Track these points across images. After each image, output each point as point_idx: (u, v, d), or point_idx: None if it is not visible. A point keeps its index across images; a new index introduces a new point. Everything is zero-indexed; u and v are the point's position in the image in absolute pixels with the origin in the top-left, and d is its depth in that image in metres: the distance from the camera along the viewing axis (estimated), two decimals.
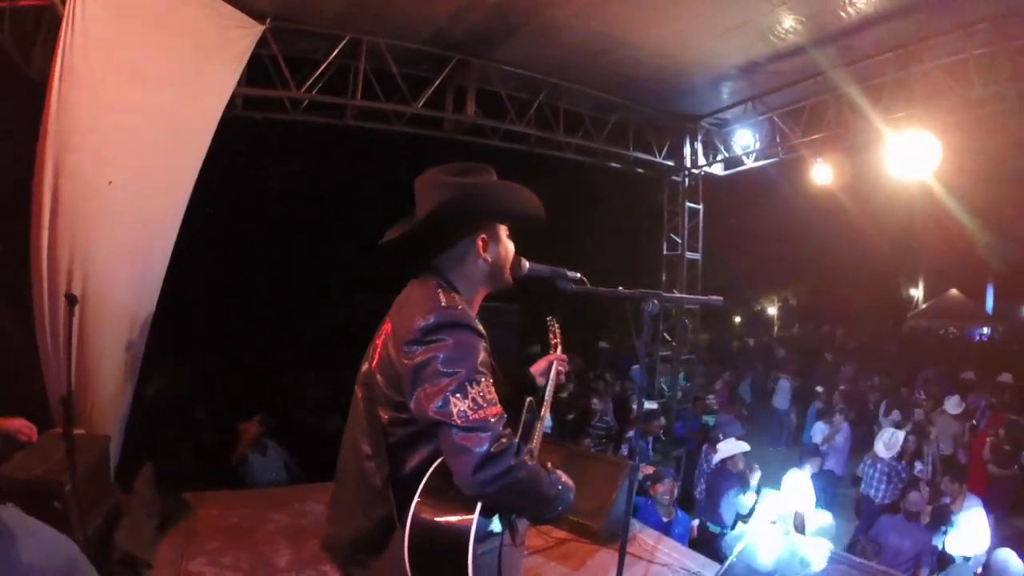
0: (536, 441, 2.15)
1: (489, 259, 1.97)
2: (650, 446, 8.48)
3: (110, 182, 4.80)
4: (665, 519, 6.20)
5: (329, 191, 15.93)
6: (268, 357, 12.75)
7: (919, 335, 22.85)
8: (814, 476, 7.55)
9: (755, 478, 7.41)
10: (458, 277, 1.94)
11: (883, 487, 7.81)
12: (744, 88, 8.06)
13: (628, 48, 6.79)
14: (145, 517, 4.80)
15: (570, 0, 5.84)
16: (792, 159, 8.87)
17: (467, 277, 1.96)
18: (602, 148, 8.75)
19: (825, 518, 6.94)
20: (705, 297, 2.56)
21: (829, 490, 8.43)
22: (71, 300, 4.10)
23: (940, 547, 6.50)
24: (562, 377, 2.49)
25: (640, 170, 9.74)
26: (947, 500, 6.92)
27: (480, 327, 1.82)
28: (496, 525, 1.81)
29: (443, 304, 1.78)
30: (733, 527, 7.01)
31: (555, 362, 2.45)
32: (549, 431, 2.26)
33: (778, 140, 8.49)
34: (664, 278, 10.17)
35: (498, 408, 1.69)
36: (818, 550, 5.18)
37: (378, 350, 1.89)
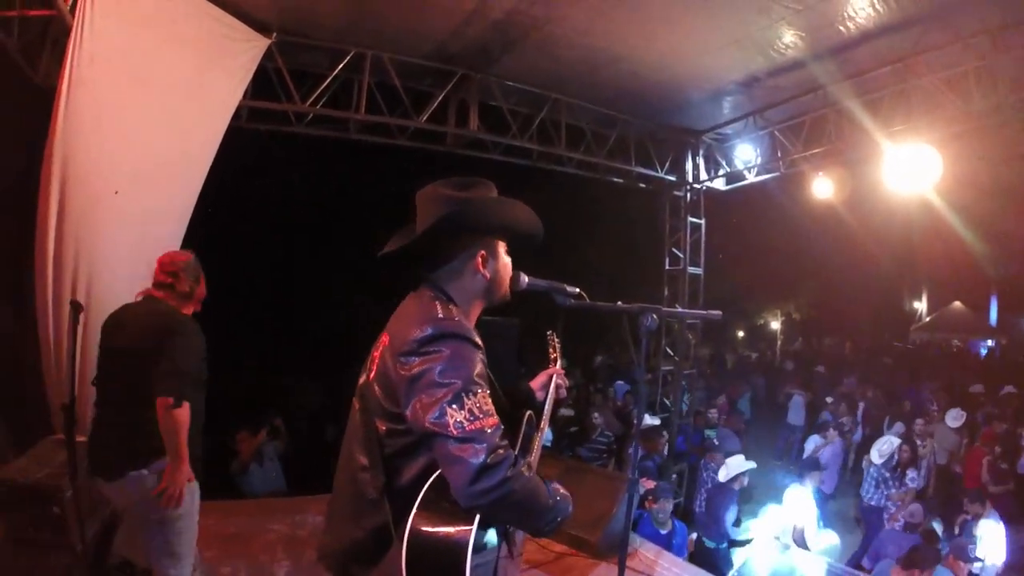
0: (535, 454, 2.15)
1: (487, 274, 1.99)
2: (655, 465, 8.47)
3: (116, 192, 4.83)
4: (663, 532, 6.20)
5: (333, 204, 16.00)
6: (272, 367, 12.78)
7: (923, 348, 22.78)
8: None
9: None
10: (455, 290, 1.95)
11: (873, 491, 8.14)
12: (745, 102, 8.09)
13: (628, 63, 6.84)
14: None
15: (569, 15, 5.89)
16: (793, 173, 8.88)
17: (464, 291, 1.97)
18: (604, 163, 8.77)
19: (831, 538, 6.94)
20: (704, 311, 2.58)
21: (819, 507, 8.44)
22: (76, 307, 4.12)
23: None
24: (562, 391, 2.49)
25: (642, 185, 9.75)
26: (969, 518, 6.98)
27: (477, 339, 1.83)
28: (493, 538, 1.82)
29: (440, 316, 1.80)
30: (729, 544, 7.01)
31: (554, 376, 2.46)
32: (548, 445, 2.25)
33: (779, 154, 8.51)
34: (666, 293, 10.16)
35: (495, 419, 1.69)
36: (815, 564, 5.19)
37: (375, 362, 1.91)
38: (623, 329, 2.32)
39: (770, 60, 6.60)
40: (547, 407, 2.35)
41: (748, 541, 6.98)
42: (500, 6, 5.76)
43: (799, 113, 7.95)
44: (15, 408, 5.03)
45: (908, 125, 6.78)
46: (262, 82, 6.55)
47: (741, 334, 29.68)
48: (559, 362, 2.54)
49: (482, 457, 1.60)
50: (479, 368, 1.77)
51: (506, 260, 2.07)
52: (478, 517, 1.68)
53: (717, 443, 9.05)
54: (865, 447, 9.50)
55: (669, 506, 6.34)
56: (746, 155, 9.25)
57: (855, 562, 7.57)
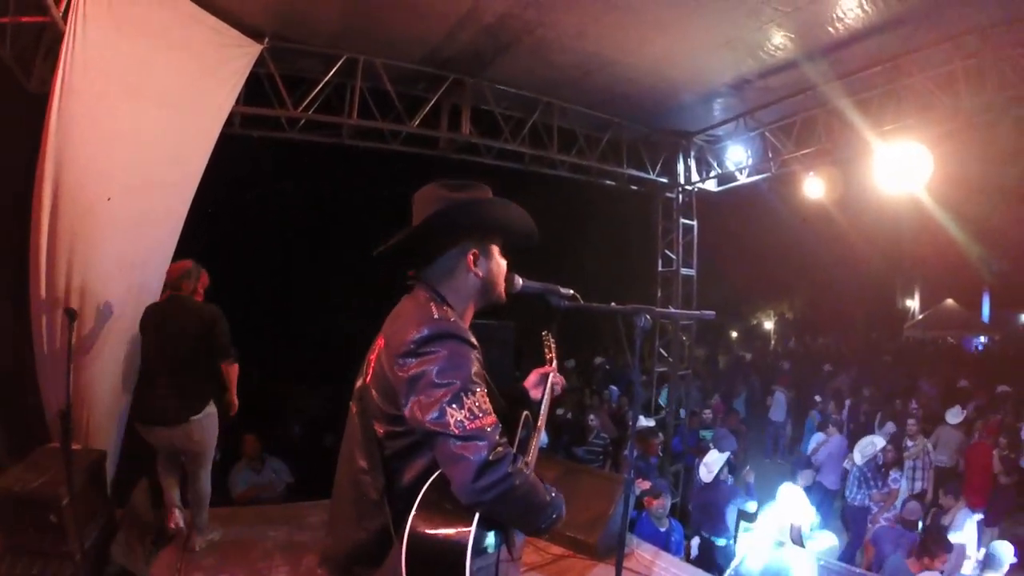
0: (532, 455, 2.17)
1: (480, 273, 2.00)
2: (650, 466, 8.50)
3: (109, 198, 4.84)
4: (661, 530, 6.22)
5: (325, 209, 16.02)
6: (265, 371, 12.77)
7: (916, 345, 22.88)
8: (808, 490, 7.60)
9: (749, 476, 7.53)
10: (449, 291, 1.97)
11: (855, 490, 8.24)
12: (735, 104, 8.13)
13: (619, 66, 6.87)
14: (141, 532, 4.81)
15: (560, 20, 5.92)
16: (785, 174, 8.92)
17: (458, 291, 1.98)
18: (596, 166, 8.80)
19: (829, 539, 6.97)
20: (698, 312, 2.59)
21: (825, 504, 8.51)
22: (70, 315, 4.13)
23: None
24: (557, 390, 2.50)
25: (634, 187, 9.78)
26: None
27: (473, 339, 1.85)
28: (493, 540, 1.83)
29: (435, 316, 1.81)
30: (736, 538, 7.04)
31: (550, 375, 2.47)
32: (544, 447, 2.25)
33: (770, 155, 8.55)
34: (659, 294, 10.19)
35: (493, 418, 1.71)
36: (808, 560, 5.21)
37: (372, 365, 1.92)
38: (618, 330, 2.33)
39: (760, 62, 6.64)
40: (544, 407, 2.36)
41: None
42: (492, 10, 5.79)
43: (790, 114, 8.00)
44: (12, 415, 5.02)
45: (898, 124, 6.84)
46: (255, 88, 6.56)
47: (735, 334, 29.75)
48: (554, 362, 2.54)
49: (484, 454, 1.62)
50: (476, 367, 1.78)
51: (500, 261, 2.08)
52: (477, 517, 1.69)
53: (712, 444, 9.06)
54: (851, 445, 9.51)
55: (668, 503, 6.36)
56: (737, 156, 9.29)
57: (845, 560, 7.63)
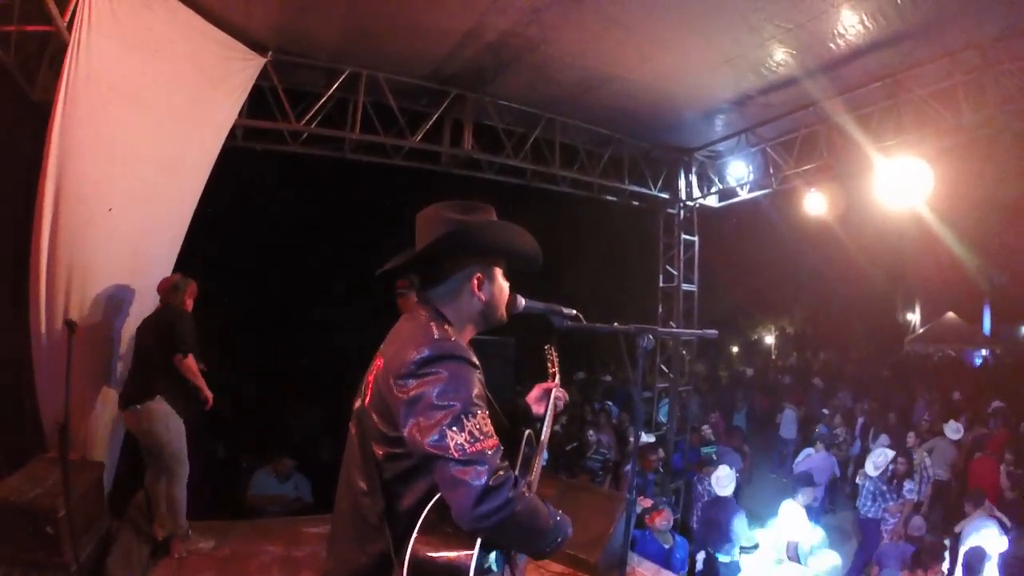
0: (535, 474, 2.14)
1: (483, 297, 1.97)
2: (651, 482, 8.46)
3: (110, 209, 4.85)
4: (665, 546, 6.19)
5: (327, 222, 16.01)
6: (265, 384, 12.75)
7: (916, 359, 22.82)
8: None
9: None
10: (451, 311, 1.94)
11: (870, 503, 8.10)
12: (737, 120, 8.15)
13: (621, 83, 6.90)
14: (137, 544, 4.79)
15: (563, 37, 5.95)
16: (785, 189, 8.93)
17: (460, 312, 1.96)
18: (598, 181, 8.81)
19: (832, 558, 6.93)
20: (701, 331, 2.58)
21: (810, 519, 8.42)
22: (70, 326, 4.13)
23: None
24: (560, 405, 2.46)
25: (636, 203, 9.79)
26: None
27: (475, 359, 1.82)
28: (495, 563, 1.80)
29: (436, 337, 1.78)
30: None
31: (553, 390, 2.43)
32: (544, 464, 2.22)
33: (771, 171, 8.56)
34: (660, 310, 10.16)
35: (495, 440, 1.67)
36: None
37: (370, 386, 1.89)
38: (619, 348, 2.31)
39: (762, 78, 6.66)
40: (546, 424, 2.33)
41: (755, 547, 6.97)
42: (495, 28, 5.82)
43: (791, 129, 8.02)
44: (11, 425, 5.00)
45: (899, 139, 6.84)
46: (258, 101, 6.58)
47: (736, 350, 29.69)
48: (557, 376, 2.52)
49: (484, 479, 1.58)
50: (478, 389, 1.75)
51: (503, 284, 2.05)
52: (479, 541, 1.66)
53: (716, 459, 9.03)
54: (863, 461, 9.46)
55: (670, 517, 6.33)
56: (739, 172, 9.30)
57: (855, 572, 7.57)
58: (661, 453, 9.30)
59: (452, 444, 1.61)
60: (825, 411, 12.86)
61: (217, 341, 5.19)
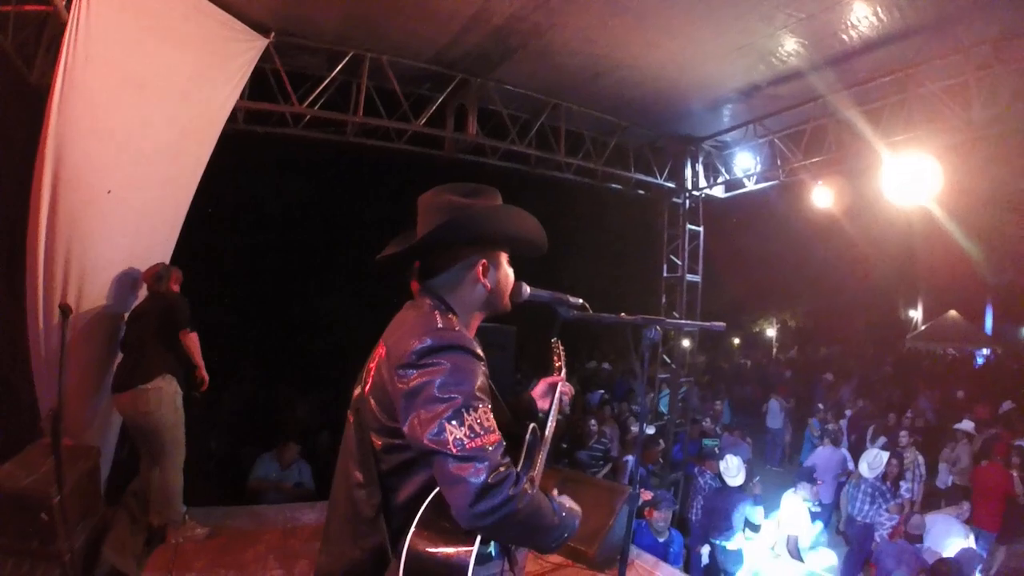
0: (539, 468, 2.09)
1: (488, 284, 1.91)
2: (650, 473, 8.44)
3: (109, 191, 4.78)
4: (660, 540, 6.17)
5: (329, 205, 15.98)
6: (265, 370, 12.73)
7: (917, 357, 22.79)
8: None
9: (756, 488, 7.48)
10: (455, 299, 1.87)
11: (866, 507, 7.91)
12: (744, 111, 8.07)
13: (628, 70, 6.81)
14: (133, 532, 4.76)
15: (570, 23, 5.86)
16: (792, 182, 8.85)
17: (464, 300, 1.89)
18: (603, 169, 8.73)
19: (829, 557, 6.91)
20: (708, 323, 2.51)
21: (822, 517, 8.38)
22: (64, 311, 4.07)
23: None
24: (566, 400, 2.40)
25: (641, 192, 9.71)
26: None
27: (479, 350, 1.76)
28: (493, 548, 1.75)
29: (439, 326, 1.72)
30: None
31: (559, 385, 2.37)
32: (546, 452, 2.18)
33: (779, 163, 8.48)
34: (663, 300, 10.10)
35: (496, 435, 1.61)
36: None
37: (371, 374, 1.82)
38: (620, 339, 2.25)
39: (771, 68, 6.58)
40: (551, 418, 2.27)
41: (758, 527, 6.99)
42: (500, 12, 5.73)
43: (799, 122, 7.93)
44: (7, 411, 4.97)
45: (908, 135, 6.75)
46: (259, 83, 6.50)
47: (737, 341, 29.68)
48: (563, 370, 2.46)
49: (483, 477, 1.52)
50: (480, 381, 1.68)
51: (508, 270, 1.98)
52: (479, 537, 1.61)
53: (718, 452, 8.99)
54: (853, 456, 9.37)
55: (669, 515, 6.31)
56: (745, 163, 9.22)
57: None
58: (662, 445, 9.29)
59: (451, 439, 1.55)
60: (820, 406, 12.83)
61: (217, 326, 5.13)
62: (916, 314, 29.00)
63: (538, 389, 2.37)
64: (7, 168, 4.71)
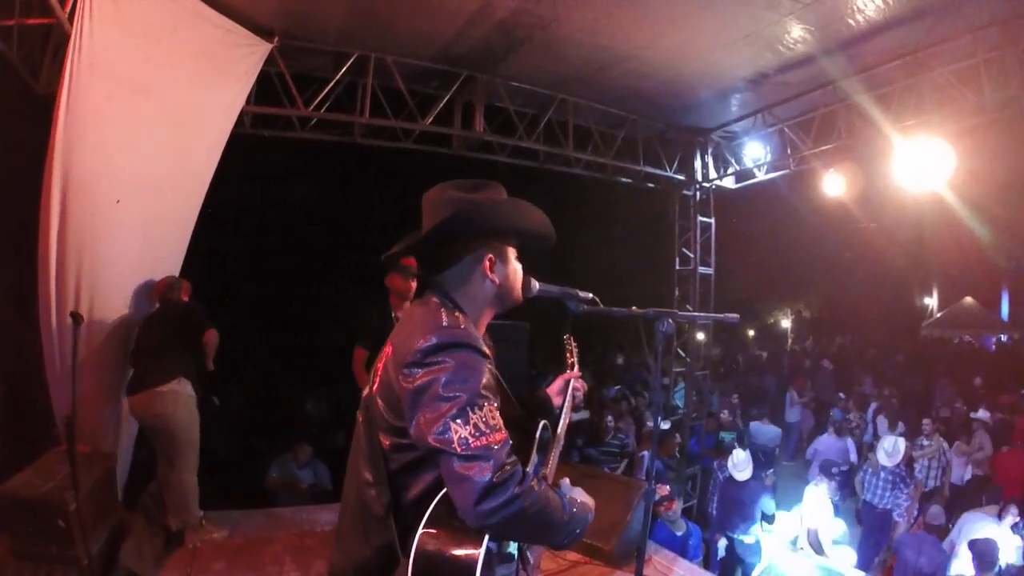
0: (552, 465, 2.07)
1: (496, 279, 1.89)
2: (663, 466, 8.41)
3: (118, 200, 4.82)
4: (678, 533, 6.14)
5: (338, 208, 16.00)
6: (275, 371, 12.79)
7: (933, 344, 22.59)
8: None
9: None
10: (463, 296, 1.86)
11: (887, 493, 7.82)
12: (753, 100, 7.99)
13: (634, 61, 6.76)
14: (150, 536, 4.79)
15: (574, 15, 5.81)
16: (803, 170, 8.77)
17: (472, 297, 1.88)
18: (612, 163, 8.66)
19: (849, 556, 6.87)
20: (721, 315, 2.48)
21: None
22: (75, 319, 4.10)
23: None
24: (579, 396, 2.40)
25: (651, 185, 9.65)
26: None
27: (484, 348, 1.74)
28: (514, 549, 1.76)
29: (445, 324, 1.71)
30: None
31: (571, 380, 2.37)
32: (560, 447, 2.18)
33: (789, 152, 8.40)
34: (676, 293, 10.03)
35: (502, 434, 1.60)
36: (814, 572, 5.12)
37: (379, 373, 1.82)
38: (634, 332, 2.23)
39: (779, 56, 6.50)
40: (564, 415, 2.26)
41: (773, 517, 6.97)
42: (504, 6, 5.69)
43: (809, 109, 7.83)
44: (23, 418, 5.01)
45: (919, 119, 6.67)
46: (265, 87, 6.52)
47: (752, 333, 29.51)
48: (576, 366, 2.44)
49: (488, 476, 1.51)
50: (486, 379, 1.67)
51: (516, 265, 1.97)
52: (487, 536, 1.60)
53: (736, 445, 8.95)
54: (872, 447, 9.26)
55: (679, 507, 6.29)
56: (755, 153, 9.14)
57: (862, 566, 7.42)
58: (678, 438, 9.25)
59: (456, 438, 1.54)
60: (841, 395, 12.71)
61: (227, 329, 5.15)
62: (931, 301, 28.78)
63: (554, 386, 2.38)
64: (17, 175, 4.73)
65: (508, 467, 1.55)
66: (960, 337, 22.88)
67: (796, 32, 5.98)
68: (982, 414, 9.70)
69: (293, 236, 15.72)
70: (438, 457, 1.58)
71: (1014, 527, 6.43)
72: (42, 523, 3.82)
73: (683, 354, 10.10)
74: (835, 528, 7.06)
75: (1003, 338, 22.69)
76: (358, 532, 1.78)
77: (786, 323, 31.11)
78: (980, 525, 6.41)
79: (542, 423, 2.07)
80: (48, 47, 5.06)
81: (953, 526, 6.72)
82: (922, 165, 6.63)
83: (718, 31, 6.05)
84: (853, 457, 9.75)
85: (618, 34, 6.15)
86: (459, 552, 1.59)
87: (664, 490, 6.44)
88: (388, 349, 1.81)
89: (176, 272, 5.55)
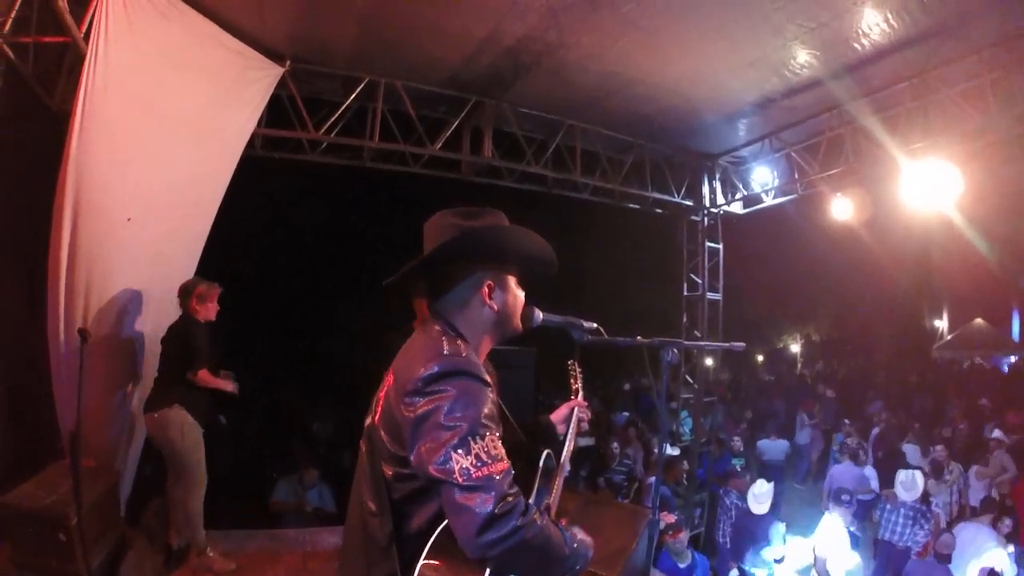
0: (555, 495, 2.06)
1: (495, 306, 1.89)
2: (671, 492, 8.32)
3: (129, 218, 4.87)
4: (681, 565, 6.06)
5: (347, 230, 16.07)
6: (288, 392, 12.79)
7: (944, 366, 22.40)
8: None
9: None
10: (463, 323, 1.86)
11: (907, 530, 7.42)
12: (760, 124, 8.02)
13: (641, 87, 6.81)
14: (151, 552, 4.78)
15: (582, 41, 5.88)
16: (811, 195, 8.76)
17: (473, 324, 1.87)
18: (620, 188, 8.68)
19: (853, 559, 6.76)
20: (727, 344, 2.47)
21: None
22: (83, 336, 4.12)
23: None
24: (583, 425, 2.39)
25: (659, 210, 9.65)
26: None
27: (486, 376, 1.73)
28: None
29: (446, 351, 1.70)
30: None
31: (576, 408, 2.36)
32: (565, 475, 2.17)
33: (796, 176, 8.40)
34: (684, 319, 9.98)
35: (504, 464, 1.59)
36: None
37: (380, 402, 1.82)
38: (643, 360, 2.23)
39: (785, 80, 6.54)
40: (568, 442, 2.25)
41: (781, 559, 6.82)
42: (512, 32, 5.76)
43: (816, 133, 7.85)
44: (28, 430, 5.02)
45: (927, 141, 6.65)
46: (276, 110, 6.59)
47: (760, 358, 29.35)
48: (580, 393, 2.44)
49: (490, 507, 1.50)
50: (488, 408, 1.66)
51: (517, 293, 1.96)
52: (489, 567, 1.58)
53: (742, 470, 8.86)
54: (883, 474, 9.00)
55: (685, 537, 6.20)
56: (763, 177, 9.14)
57: None
58: (685, 465, 9.16)
59: (457, 468, 1.53)
60: (846, 421, 12.54)
61: (235, 351, 5.13)
62: (942, 323, 28.59)
63: (559, 413, 2.37)
64: (29, 193, 4.79)
65: (510, 498, 1.54)
66: (971, 359, 22.68)
67: (802, 57, 6.02)
68: (997, 434, 9.53)
69: (301, 257, 15.80)
70: (439, 487, 1.58)
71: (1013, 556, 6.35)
72: (43, 535, 3.83)
73: (691, 380, 10.05)
74: (849, 560, 6.88)
75: (1012, 359, 22.48)
76: (361, 561, 1.76)
77: (795, 347, 30.94)
78: (984, 548, 6.34)
79: (546, 451, 2.05)
80: (63, 65, 5.13)
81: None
82: (930, 187, 6.60)
83: (724, 57, 6.10)
84: (874, 485, 9.45)
85: (625, 60, 6.20)
86: None
87: (670, 518, 6.36)
88: (390, 378, 1.81)
89: None
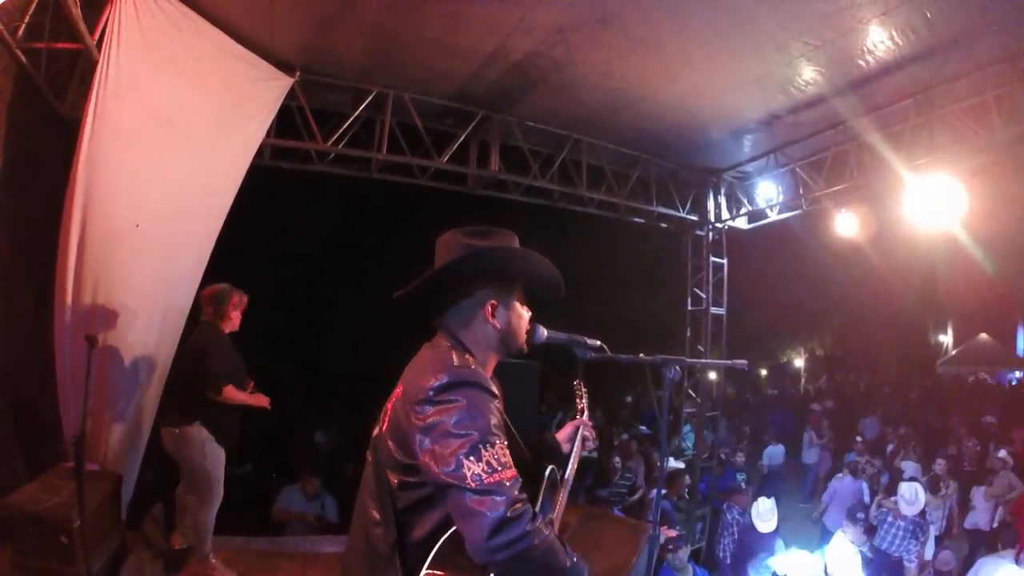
0: (558, 511, 2.08)
1: (498, 325, 1.93)
2: (672, 506, 8.29)
3: (137, 225, 4.89)
4: None
5: (354, 241, 16.11)
6: (293, 402, 12.79)
7: (949, 382, 22.32)
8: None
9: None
10: (469, 339, 1.91)
11: (904, 543, 7.41)
12: (765, 140, 8.05)
13: (647, 103, 6.85)
14: (151, 557, 4.79)
15: (589, 58, 5.92)
16: (816, 210, 8.77)
17: (477, 340, 1.92)
18: (625, 203, 8.71)
19: None
20: (729, 361, 2.50)
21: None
22: (90, 341, 4.15)
23: None
24: (589, 443, 2.41)
25: (663, 224, 9.68)
26: None
27: (493, 388, 1.77)
28: None
29: (455, 364, 1.75)
30: None
31: (581, 427, 2.39)
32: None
33: (801, 191, 8.40)
34: (688, 334, 9.97)
35: (513, 471, 1.62)
36: None
37: (388, 413, 1.85)
38: (645, 376, 2.25)
39: (790, 97, 6.57)
40: (572, 460, 2.27)
41: None
42: (520, 48, 5.81)
43: (821, 149, 7.86)
44: (33, 433, 5.04)
45: (931, 157, 6.65)
46: (285, 121, 6.63)
47: (764, 372, 29.27)
48: (585, 412, 2.46)
49: (501, 510, 1.52)
50: (496, 418, 1.70)
51: (522, 312, 2.01)
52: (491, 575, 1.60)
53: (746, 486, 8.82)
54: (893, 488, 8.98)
55: (685, 554, 6.18)
56: (768, 193, 9.14)
57: None
58: (688, 480, 9.13)
59: (469, 474, 1.56)
60: (859, 439, 12.50)
61: (243, 359, 5.12)
62: (946, 339, 28.51)
63: (564, 432, 2.40)
64: (39, 198, 4.84)
65: (520, 504, 1.57)
66: (975, 374, 22.60)
67: (807, 74, 6.05)
68: (1003, 454, 9.50)
69: (308, 267, 15.84)
70: (447, 493, 1.60)
71: None
72: (45, 538, 3.83)
73: (694, 394, 10.03)
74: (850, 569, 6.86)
75: (1017, 374, 22.41)
76: (364, 570, 1.79)
77: (799, 362, 30.87)
78: (1000, 571, 6.26)
79: (549, 468, 2.08)
80: (75, 72, 5.19)
81: (970, 572, 6.55)
82: (935, 203, 6.60)
83: (730, 74, 6.14)
84: (866, 498, 9.49)
85: (631, 76, 6.25)
86: None
87: (671, 533, 6.35)
88: (398, 389, 1.84)
89: (190, 299, 5.41)
